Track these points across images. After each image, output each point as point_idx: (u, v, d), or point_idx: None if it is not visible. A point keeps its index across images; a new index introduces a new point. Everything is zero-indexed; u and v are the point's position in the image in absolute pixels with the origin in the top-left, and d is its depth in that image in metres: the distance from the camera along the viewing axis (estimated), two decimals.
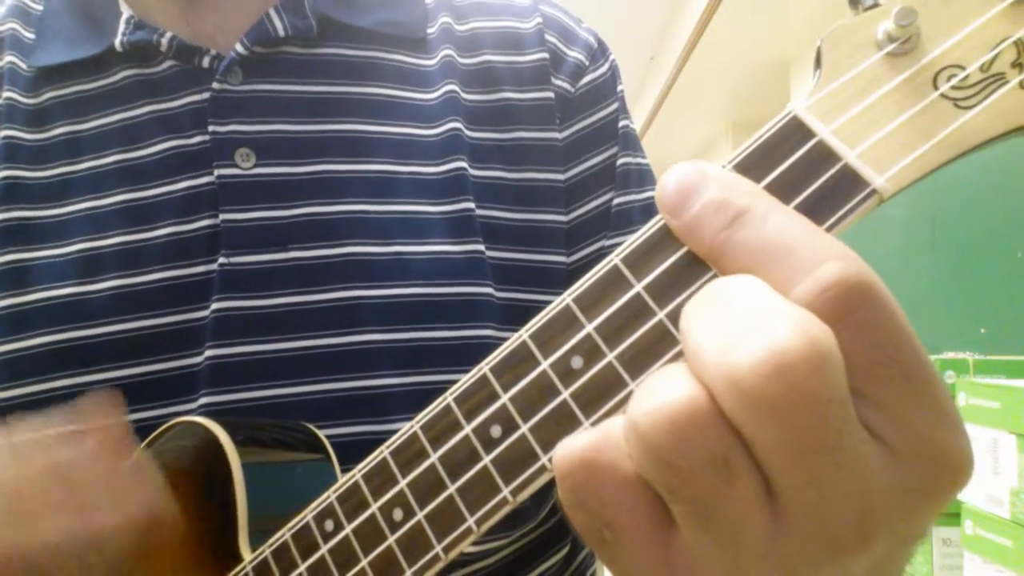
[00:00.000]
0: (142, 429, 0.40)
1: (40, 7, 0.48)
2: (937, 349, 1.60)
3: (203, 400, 0.40)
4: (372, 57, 0.47)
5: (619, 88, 0.53)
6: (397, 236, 0.43)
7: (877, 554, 0.19)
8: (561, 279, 0.47)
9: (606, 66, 0.52)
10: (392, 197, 0.44)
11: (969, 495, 1.10)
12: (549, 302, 0.46)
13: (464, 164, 0.45)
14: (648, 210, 0.51)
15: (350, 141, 0.45)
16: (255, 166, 0.43)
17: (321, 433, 0.39)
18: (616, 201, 0.49)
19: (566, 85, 0.49)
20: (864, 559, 0.19)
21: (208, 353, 0.41)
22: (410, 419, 0.41)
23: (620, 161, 0.50)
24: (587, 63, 0.51)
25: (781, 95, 3.66)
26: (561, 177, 0.48)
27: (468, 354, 0.42)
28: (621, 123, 0.51)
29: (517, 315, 0.45)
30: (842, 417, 0.17)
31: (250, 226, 0.42)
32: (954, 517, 1.17)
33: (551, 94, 0.49)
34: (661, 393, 0.18)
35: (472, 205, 0.45)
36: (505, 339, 0.44)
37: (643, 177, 0.52)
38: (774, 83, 3.75)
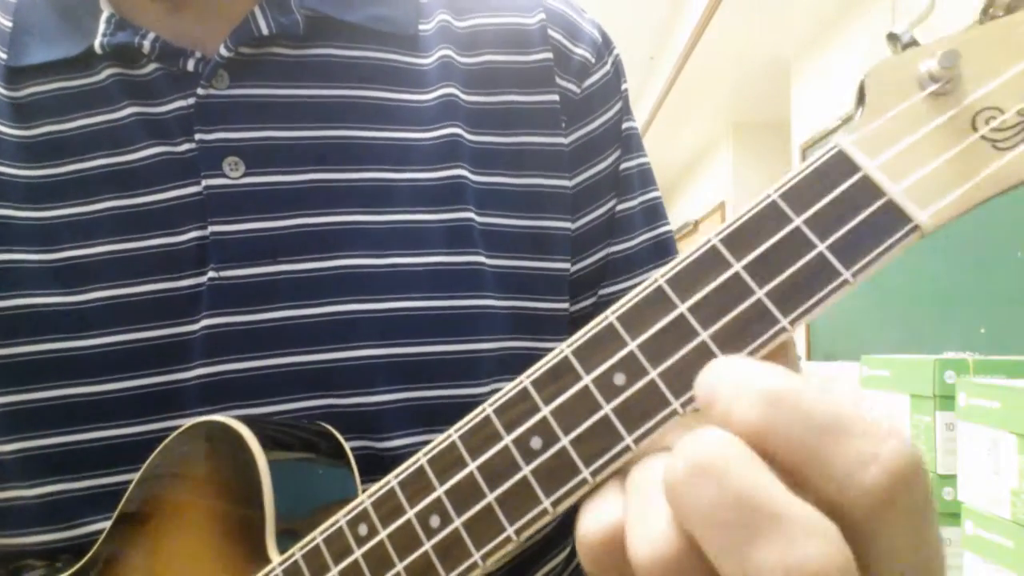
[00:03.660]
0: (130, 444, 0.40)
1: None
2: (937, 349, 1.61)
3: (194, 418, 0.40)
4: (363, 57, 0.45)
5: (623, 87, 0.51)
6: (393, 247, 0.42)
7: None
8: (567, 287, 0.47)
9: (610, 63, 0.51)
10: (388, 206, 0.43)
11: (969, 495, 1.11)
12: (556, 310, 0.47)
13: (464, 172, 0.44)
14: (649, 212, 0.50)
15: (343, 148, 0.43)
16: (244, 175, 0.41)
17: (339, 434, 0.39)
18: (619, 208, 0.49)
19: (571, 86, 0.48)
20: None
21: (199, 371, 0.40)
22: (409, 435, 0.41)
23: (622, 166, 0.49)
24: (593, 60, 0.50)
25: (781, 95, 3.67)
26: (568, 183, 0.47)
27: (467, 369, 0.42)
28: (624, 124, 0.51)
29: (523, 324, 0.44)
30: None
31: (240, 238, 0.41)
32: (954, 517, 1.18)
33: (556, 96, 0.47)
34: None
35: (472, 215, 0.44)
36: (511, 349, 0.45)
37: (644, 179, 0.51)
38: (774, 83, 3.75)
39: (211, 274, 0.40)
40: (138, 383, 0.40)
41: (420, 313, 0.42)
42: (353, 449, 0.40)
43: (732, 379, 0.20)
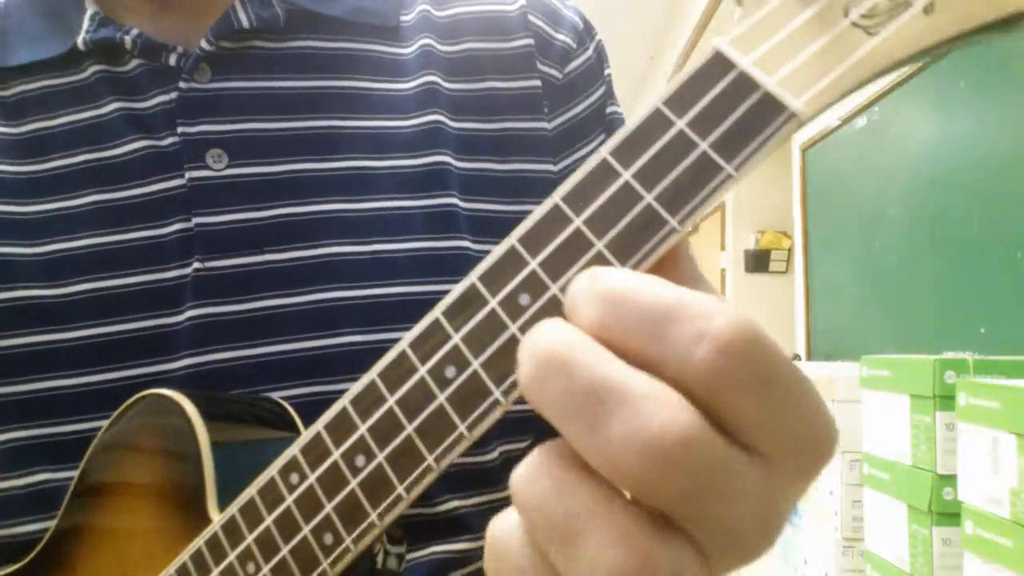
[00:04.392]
0: None
1: None
2: (937, 349, 1.60)
3: None
4: (344, 48, 0.46)
5: (606, 71, 0.52)
6: (376, 235, 0.43)
7: None
8: None
9: (592, 48, 0.51)
10: (369, 194, 0.43)
11: (969, 495, 1.10)
12: None
13: (446, 158, 0.45)
14: None
15: (324, 138, 0.44)
16: (227, 167, 0.42)
17: (288, 405, 0.39)
18: None
19: (553, 71, 0.49)
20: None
21: (185, 362, 0.40)
22: None
23: None
24: (574, 46, 0.50)
25: None
26: (554, 168, 0.47)
27: None
28: (608, 109, 0.51)
29: None
30: (724, 475, 0.18)
31: (224, 229, 0.41)
32: (954, 517, 1.17)
33: (537, 82, 0.48)
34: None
35: (456, 200, 0.44)
36: None
37: None
38: None
39: (196, 265, 0.41)
40: (123, 374, 0.41)
41: (404, 299, 0.42)
42: None
43: (581, 285, 0.20)
